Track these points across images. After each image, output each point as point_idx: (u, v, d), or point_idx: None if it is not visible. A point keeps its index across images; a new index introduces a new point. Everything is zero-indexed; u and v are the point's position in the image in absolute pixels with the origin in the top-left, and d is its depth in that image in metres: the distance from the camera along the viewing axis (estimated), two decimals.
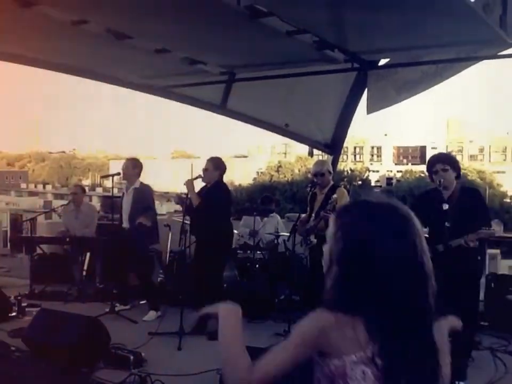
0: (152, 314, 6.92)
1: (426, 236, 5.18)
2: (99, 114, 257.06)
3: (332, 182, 6.41)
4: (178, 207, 7.97)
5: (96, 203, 18.88)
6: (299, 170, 63.00)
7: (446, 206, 4.78)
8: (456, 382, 4.40)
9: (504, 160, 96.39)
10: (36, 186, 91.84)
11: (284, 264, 7.55)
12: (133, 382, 4.47)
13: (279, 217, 8.39)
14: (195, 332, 6.14)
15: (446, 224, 4.79)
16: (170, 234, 8.76)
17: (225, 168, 6.58)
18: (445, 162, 4.95)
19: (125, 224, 7.24)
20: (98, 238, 8.29)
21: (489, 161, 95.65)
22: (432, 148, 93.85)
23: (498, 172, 75.03)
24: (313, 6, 4.73)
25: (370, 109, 7.79)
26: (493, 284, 6.60)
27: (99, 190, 72.10)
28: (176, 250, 8.08)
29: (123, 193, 7.41)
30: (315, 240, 6.20)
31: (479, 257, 4.92)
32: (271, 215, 8.27)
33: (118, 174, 7.38)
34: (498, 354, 5.54)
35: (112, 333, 5.28)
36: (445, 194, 4.89)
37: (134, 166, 7.27)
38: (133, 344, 5.45)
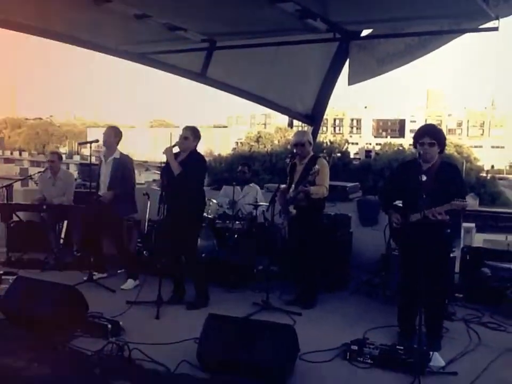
0: (130, 283, 6.90)
1: (400, 205, 5.22)
2: (77, 81, 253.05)
3: (311, 153, 6.39)
4: (157, 176, 7.87)
5: (73, 171, 18.66)
6: (279, 141, 62.76)
7: (424, 177, 4.81)
8: (431, 352, 4.47)
9: (482, 134, 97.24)
10: (12, 153, 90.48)
11: (263, 234, 7.56)
12: (111, 350, 4.46)
13: (258, 187, 8.36)
14: (173, 301, 6.17)
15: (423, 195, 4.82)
16: (149, 204, 8.71)
17: (200, 138, 6.53)
18: (433, 136, 4.95)
19: (102, 193, 7.18)
20: (75, 206, 8.20)
21: (467, 135, 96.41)
22: (411, 121, 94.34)
23: (475, 146, 75.64)
24: None
25: (352, 81, 7.76)
26: (468, 257, 6.70)
27: (76, 157, 71.37)
28: (155, 220, 8.04)
29: (101, 161, 7.31)
30: (294, 211, 6.21)
31: (448, 230, 4.97)
32: (250, 185, 8.24)
33: (96, 141, 7.28)
34: (472, 326, 5.63)
35: (90, 301, 5.26)
36: (424, 166, 4.90)
37: (115, 134, 7.18)
38: (110, 313, 5.43)
